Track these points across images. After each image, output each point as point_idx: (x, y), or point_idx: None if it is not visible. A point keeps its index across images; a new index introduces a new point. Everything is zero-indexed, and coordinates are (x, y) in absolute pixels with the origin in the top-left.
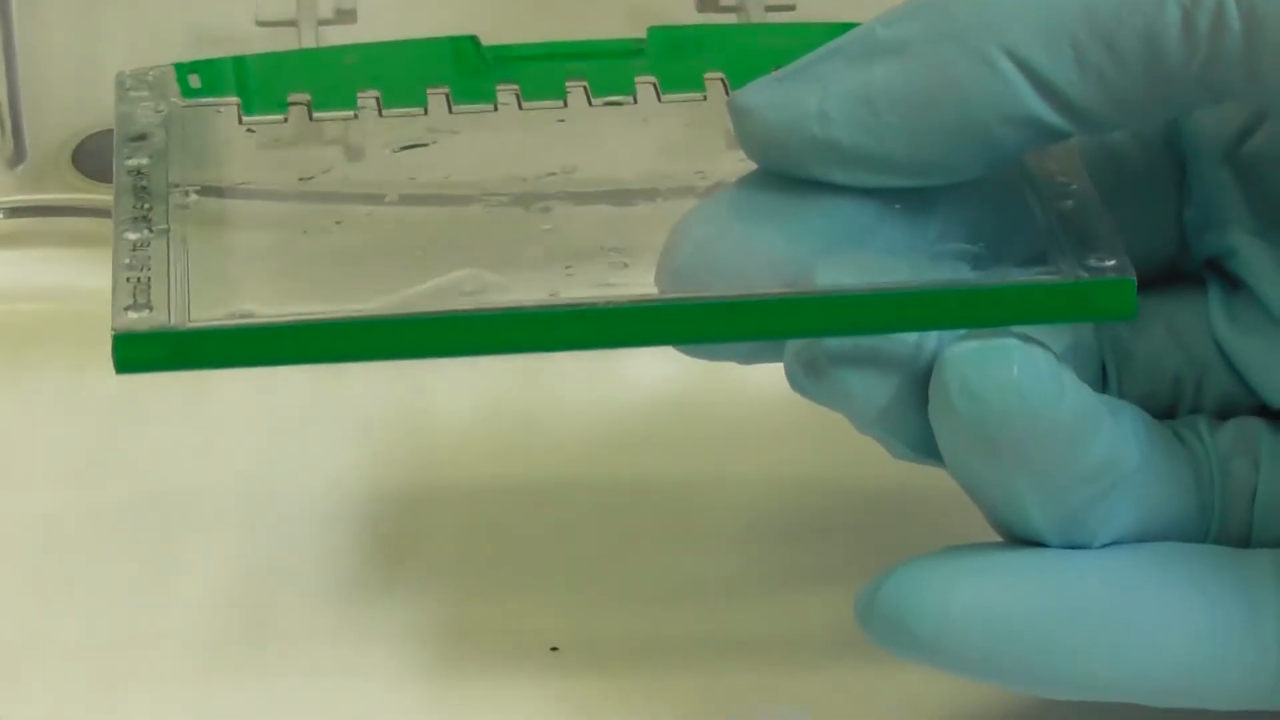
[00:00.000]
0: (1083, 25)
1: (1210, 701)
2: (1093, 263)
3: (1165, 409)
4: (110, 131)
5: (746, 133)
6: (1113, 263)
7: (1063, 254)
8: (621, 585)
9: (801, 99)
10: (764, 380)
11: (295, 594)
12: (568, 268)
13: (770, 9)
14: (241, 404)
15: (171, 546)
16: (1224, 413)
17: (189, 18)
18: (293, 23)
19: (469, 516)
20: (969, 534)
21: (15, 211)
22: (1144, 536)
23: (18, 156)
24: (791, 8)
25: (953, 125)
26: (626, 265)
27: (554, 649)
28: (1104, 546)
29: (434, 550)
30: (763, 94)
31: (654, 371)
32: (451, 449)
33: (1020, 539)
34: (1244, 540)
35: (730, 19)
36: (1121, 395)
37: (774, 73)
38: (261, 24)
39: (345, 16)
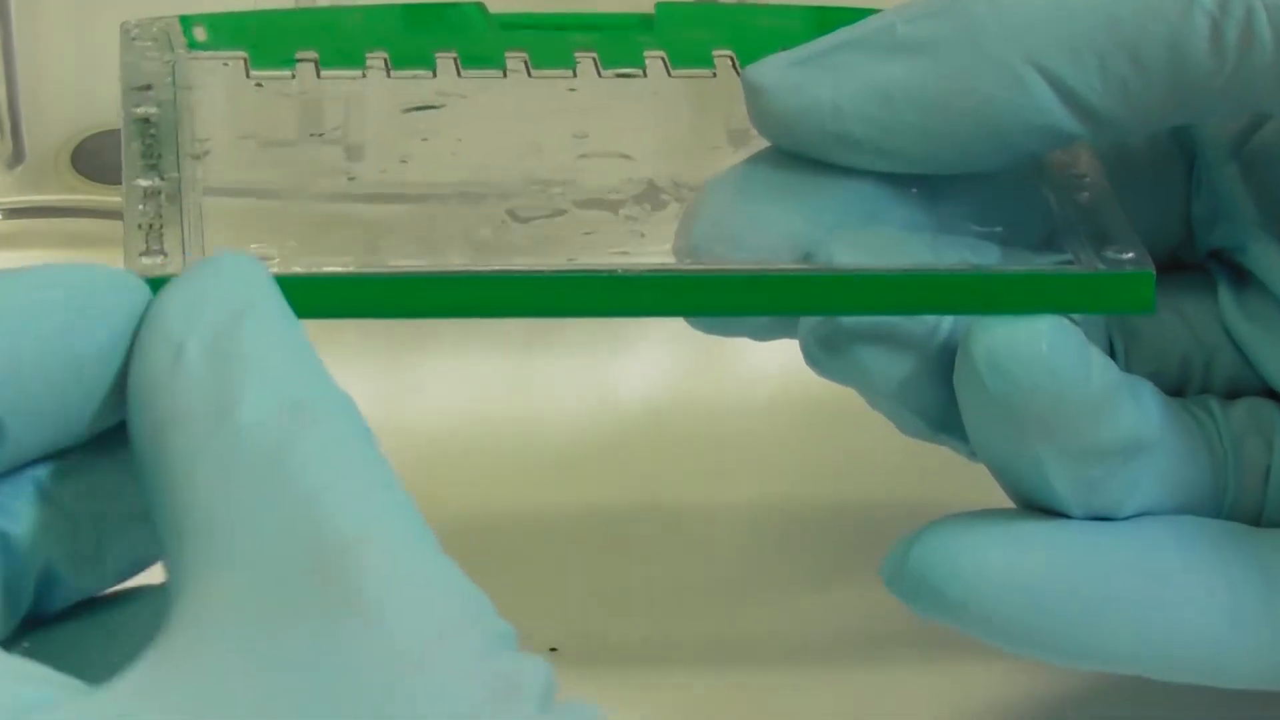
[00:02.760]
0: (1107, 34)
1: (1222, 680)
2: (1110, 254)
3: (1173, 388)
4: (110, 132)
5: (759, 111)
6: (1131, 255)
7: (1079, 244)
8: (617, 588)
9: (816, 88)
10: (758, 383)
11: None
12: (586, 233)
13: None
14: None
15: None
16: (1232, 393)
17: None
18: None
19: (463, 522)
20: None
21: (14, 212)
22: (1166, 509)
23: (17, 157)
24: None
25: (970, 129)
26: (643, 235)
27: (553, 649)
28: (1130, 518)
29: None
30: (777, 75)
31: (648, 375)
32: (445, 455)
33: (1042, 509)
34: (1256, 517)
35: None
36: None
37: (789, 51)
38: None
39: None
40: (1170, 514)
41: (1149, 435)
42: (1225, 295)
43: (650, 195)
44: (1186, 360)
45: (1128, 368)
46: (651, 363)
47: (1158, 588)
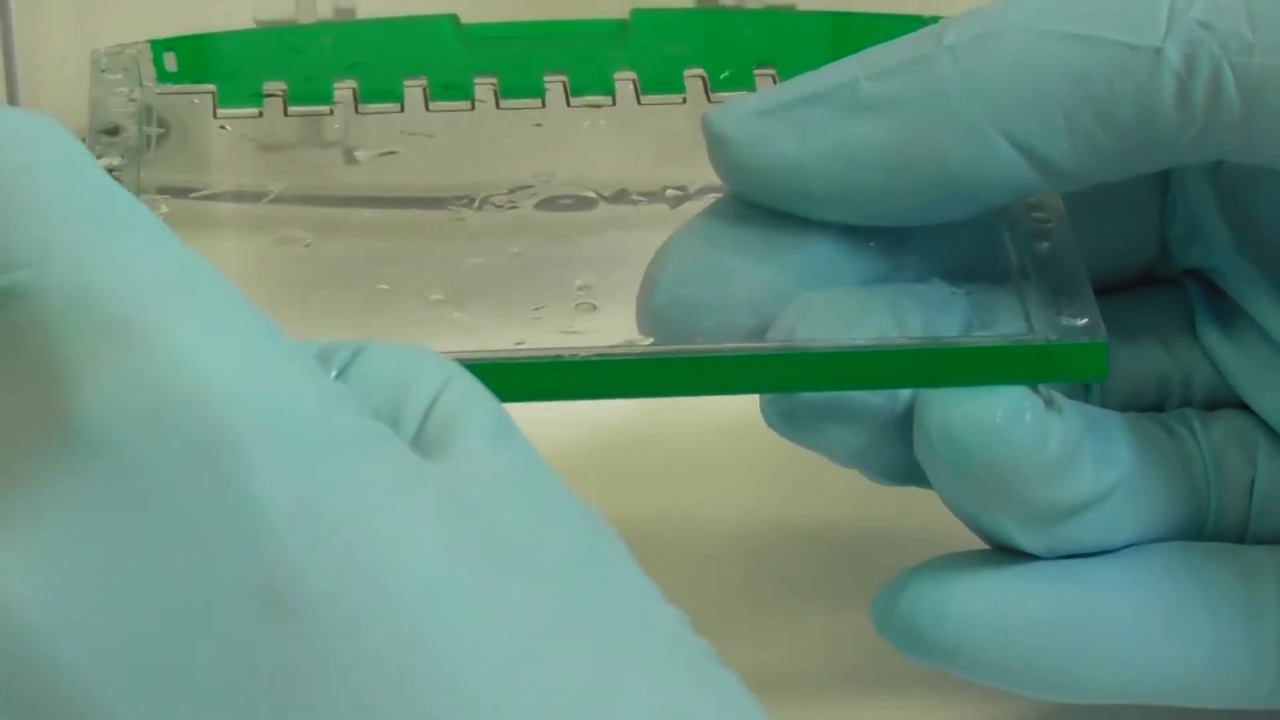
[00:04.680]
0: (1075, 94)
1: (1209, 703)
2: (1064, 321)
3: (1152, 404)
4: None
5: (721, 160)
6: (1084, 321)
7: (1035, 303)
8: None
9: (779, 143)
10: (735, 403)
11: None
12: (536, 309)
13: (769, 9)
14: None
15: None
16: (1212, 404)
17: (188, 17)
18: (293, 22)
19: None
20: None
21: None
22: (1148, 536)
23: None
24: (791, 8)
25: (935, 188)
26: (595, 308)
27: None
28: (1114, 551)
29: None
30: (740, 126)
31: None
32: None
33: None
34: (1241, 531)
35: None
36: (1105, 394)
37: (752, 97)
38: (261, 23)
39: (344, 15)
40: (1153, 539)
41: (1114, 482)
42: (1202, 315)
43: (609, 245)
44: (1164, 378)
45: (1103, 388)
46: None
47: (1145, 626)
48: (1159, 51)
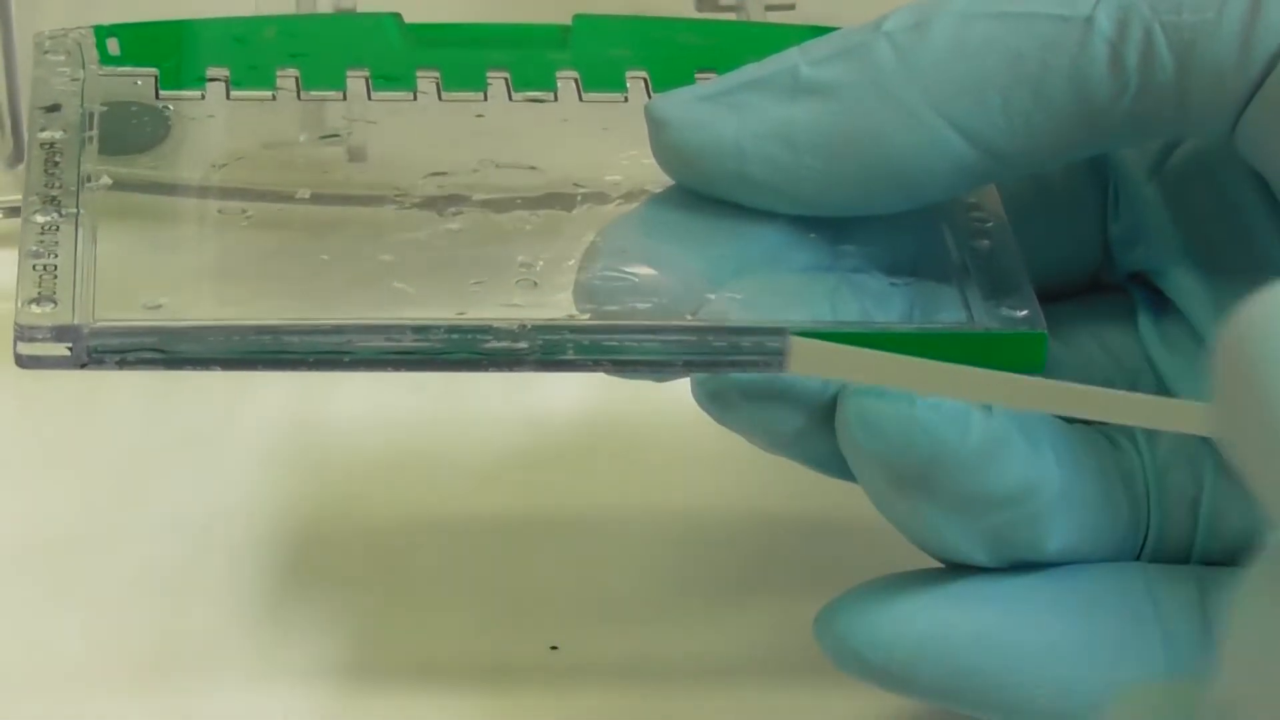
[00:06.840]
0: (1010, 71)
1: None
2: (1004, 312)
3: None
4: None
5: (661, 145)
6: (1024, 313)
7: (975, 295)
8: (546, 606)
9: (718, 127)
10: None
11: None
12: (476, 282)
13: (770, 8)
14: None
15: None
16: None
17: (186, 14)
18: None
19: (383, 541)
20: (906, 547)
21: (14, 211)
22: (1085, 547)
23: (16, 156)
24: (791, 7)
25: (872, 173)
26: (535, 285)
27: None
28: (1054, 567)
29: (350, 571)
30: (681, 110)
31: (571, 388)
32: (383, 462)
33: (953, 561)
34: (1187, 550)
35: (729, 18)
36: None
37: (695, 86)
38: None
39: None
40: (1091, 552)
41: (1048, 484)
42: (1145, 321)
43: (550, 229)
44: (1108, 385)
45: None
46: (574, 381)
47: (1090, 651)
48: (1090, 20)
